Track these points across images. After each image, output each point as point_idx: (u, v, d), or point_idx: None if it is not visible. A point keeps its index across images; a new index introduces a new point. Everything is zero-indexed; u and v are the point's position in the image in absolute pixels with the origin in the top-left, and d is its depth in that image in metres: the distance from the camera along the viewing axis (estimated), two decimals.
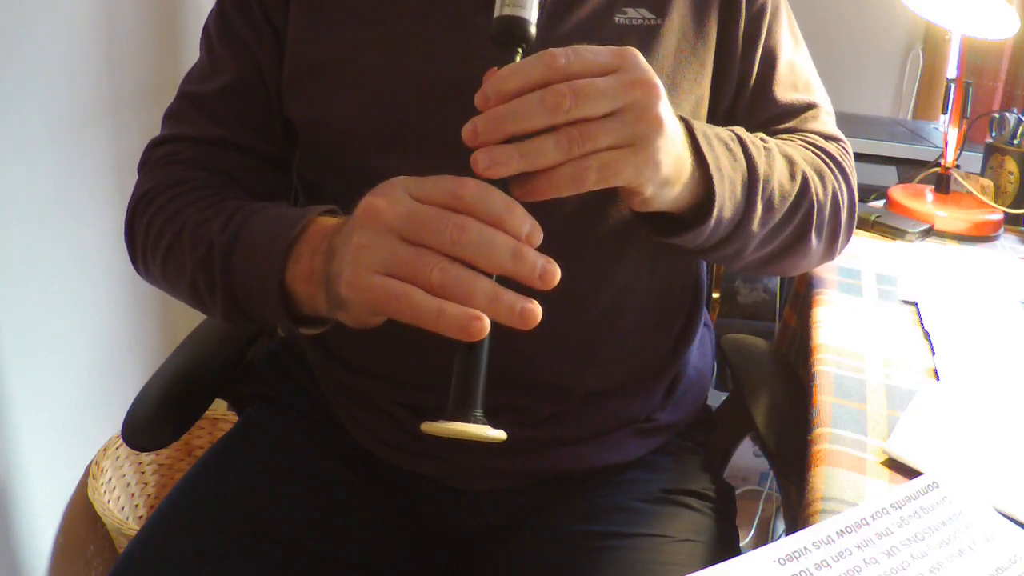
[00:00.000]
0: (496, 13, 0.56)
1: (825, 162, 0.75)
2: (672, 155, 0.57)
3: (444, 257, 0.50)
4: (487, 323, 0.49)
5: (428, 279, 0.50)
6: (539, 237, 0.52)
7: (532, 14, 0.55)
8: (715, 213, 0.63)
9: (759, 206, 0.67)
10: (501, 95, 0.52)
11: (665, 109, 0.55)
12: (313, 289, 0.59)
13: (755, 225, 0.67)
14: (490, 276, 0.51)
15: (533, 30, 0.56)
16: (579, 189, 0.54)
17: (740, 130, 0.69)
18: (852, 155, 0.81)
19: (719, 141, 0.64)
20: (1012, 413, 0.74)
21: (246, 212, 0.67)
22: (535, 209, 0.53)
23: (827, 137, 0.79)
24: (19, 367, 1.19)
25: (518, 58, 0.55)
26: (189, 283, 0.68)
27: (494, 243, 0.50)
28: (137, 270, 0.77)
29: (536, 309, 0.50)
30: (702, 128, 0.63)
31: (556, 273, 0.51)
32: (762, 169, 0.67)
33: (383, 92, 0.71)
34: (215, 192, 0.72)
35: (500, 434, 0.52)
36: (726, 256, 0.71)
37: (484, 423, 0.52)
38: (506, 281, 0.51)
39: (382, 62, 0.71)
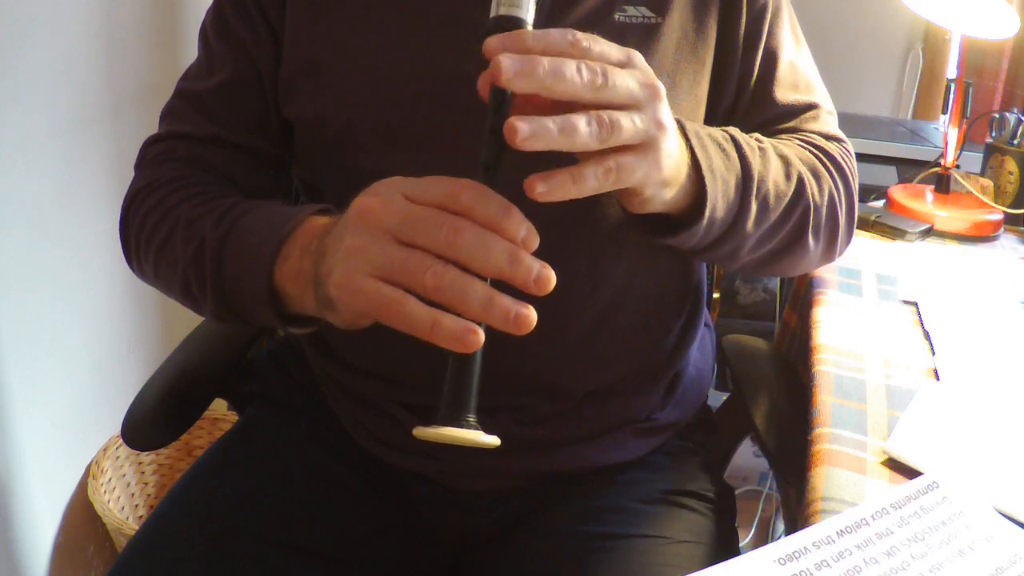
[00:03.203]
0: (492, 13, 0.55)
1: (823, 162, 0.75)
2: (673, 157, 0.58)
3: (438, 260, 0.49)
4: (482, 336, 0.48)
5: (422, 282, 0.49)
6: (535, 241, 0.51)
7: (528, 14, 0.55)
8: (707, 213, 0.63)
9: (753, 206, 0.67)
10: (520, 50, 0.51)
11: (666, 112, 0.55)
12: (301, 289, 0.59)
13: (750, 225, 0.67)
14: (484, 280, 0.50)
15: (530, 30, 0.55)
16: (599, 189, 0.53)
17: (734, 130, 0.68)
18: (854, 156, 0.81)
19: (712, 141, 0.64)
20: (1012, 413, 0.74)
21: (239, 210, 0.66)
22: (532, 206, 0.52)
23: (828, 137, 0.79)
24: (19, 367, 1.19)
25: None
26: (180, 280, 0.68)
27: (490, 246, 0.49)
28: (131, 267, 0.77)
29: (531, 315, 0.49)
30: (695, 129, 0.63)
31: (551, 279, 0.50)
32: (756, 169, 0.67)
33: (381, 90, 0.71)
34: (209, 189, 0.72)
35: (493, 440, 0.51)
36: (722, 257, 0.71)
37: (476, 428, 0.51)
38: (499, 285, 0.50)
39: (380, 60, 0.71)
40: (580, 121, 0.51)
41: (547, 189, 0.51)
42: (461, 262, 0.49)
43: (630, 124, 0.52)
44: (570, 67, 0.50)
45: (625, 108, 0.53)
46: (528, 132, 0.49)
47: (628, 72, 0.53)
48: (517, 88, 0.50)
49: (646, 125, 0.53)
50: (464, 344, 0.48)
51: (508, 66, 0.49)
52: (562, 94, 0.51)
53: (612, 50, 0.54)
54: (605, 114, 0.51)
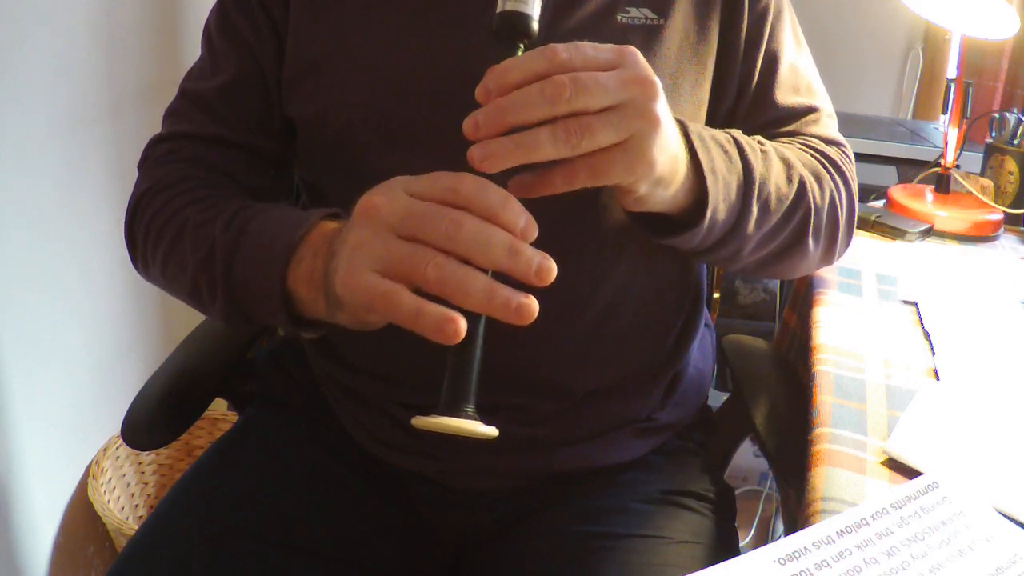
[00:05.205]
0: (498, 8, 0.56)
1: (824, 165, 0.75)
2: (667, 154, 0.57)
3: (439, 253, 0.50)
4: (463, 326, 0.49)
5: (424, 275, 0.50)
6: (534, 232, 0.52)
7: (534, 9, 0.55)
8: (708, 215, 0.63)
9: (755, 208, 0.67)
10: (502, 87, 0.52)
11: (662, 107, 0.55)
12: (313, 292, 0.59)
13: (751, 227, 0.67)
14: (486, 272, 0.51)
15: (535, 25, 0.56)
16: (571, 186, 0.55)
17: (737, 132, 0.69)
18: (853, 159, 0.81)
19: (715, 143, 0.64)
20: (1012, 413, 0.74)
21: (249, 213, 0.67)
22: (533, 204, 0.52)
23: (828, 141, 0.79)
24: (19, 367, 1.19)
25: (519, 54, 0.55)
26: (189, 283, 0.69)
27: (490, 239, 0.50)
28: (137, 269, 0.77)
29: (532, 304, 0.50)
30: (698, 130, 0.63)
31: (552, 270, 0.50)
32: (758, 172, 0.67)
33: (381, 90, 0.71)
34: (216, 191, 0.72)
35: (491, 430, 0.52)
36: (723, 258, 0.71)
37: (475, 419, 0.51)
38: (501, 278, 0.51)
39: (380, 60, 0.71)
40: (541, 133, 0.52)
41: (515, 190, 0.53)
42: (462, 255, 0.50)
43: (605, 126, 0.53)
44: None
45: (606, 111, 0.53)
46: (483, 155, 0.51)
47: (613, 74, 0.53)
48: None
49: (628, 121, 0.53)
50: (444, 334, 0.49)
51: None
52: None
53: (601, 54, 0.54)
54: (574, 121, 0.52)
